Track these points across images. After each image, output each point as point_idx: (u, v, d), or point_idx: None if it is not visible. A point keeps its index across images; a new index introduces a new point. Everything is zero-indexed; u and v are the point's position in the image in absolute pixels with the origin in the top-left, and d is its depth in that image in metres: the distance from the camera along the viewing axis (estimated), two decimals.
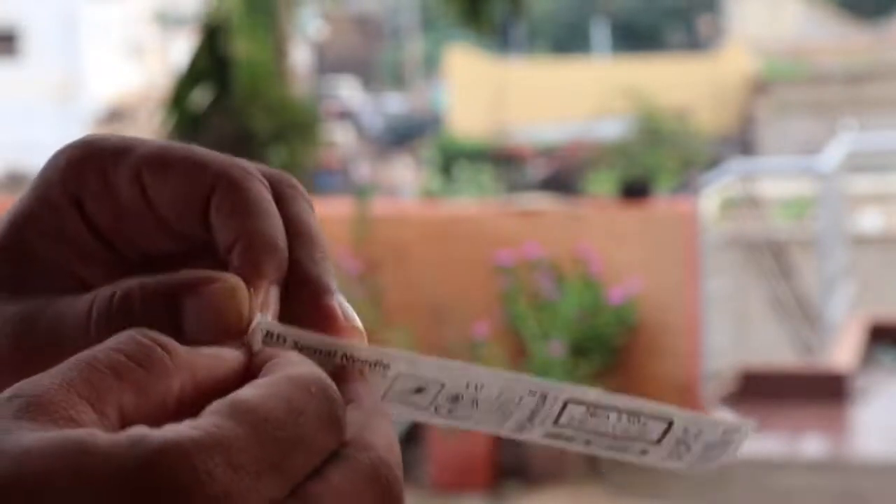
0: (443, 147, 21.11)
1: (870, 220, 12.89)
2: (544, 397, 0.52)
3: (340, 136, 21.73)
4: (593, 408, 0.53)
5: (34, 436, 0.41)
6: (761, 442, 7.13)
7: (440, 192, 16.46)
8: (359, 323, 0.52)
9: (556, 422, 0.52)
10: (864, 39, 27.57)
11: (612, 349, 6.43)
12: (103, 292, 0.51)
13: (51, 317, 0.52)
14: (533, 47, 33.42)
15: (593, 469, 6.31)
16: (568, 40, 35.04)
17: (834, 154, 8.77)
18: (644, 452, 0.54)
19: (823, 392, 7.25)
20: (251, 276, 0.50)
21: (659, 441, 0.54)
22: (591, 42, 32.35)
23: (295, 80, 11.18)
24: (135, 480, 0.41)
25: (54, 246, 0.54)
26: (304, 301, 0.51)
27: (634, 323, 6.49)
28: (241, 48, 10.02)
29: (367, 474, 0.45)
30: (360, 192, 7.90)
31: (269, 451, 0.43)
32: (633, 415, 0.54)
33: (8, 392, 0.43)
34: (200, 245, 0.53)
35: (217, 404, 0.43)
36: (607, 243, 6.58)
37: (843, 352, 7.79)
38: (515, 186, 17.19)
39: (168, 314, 0.49)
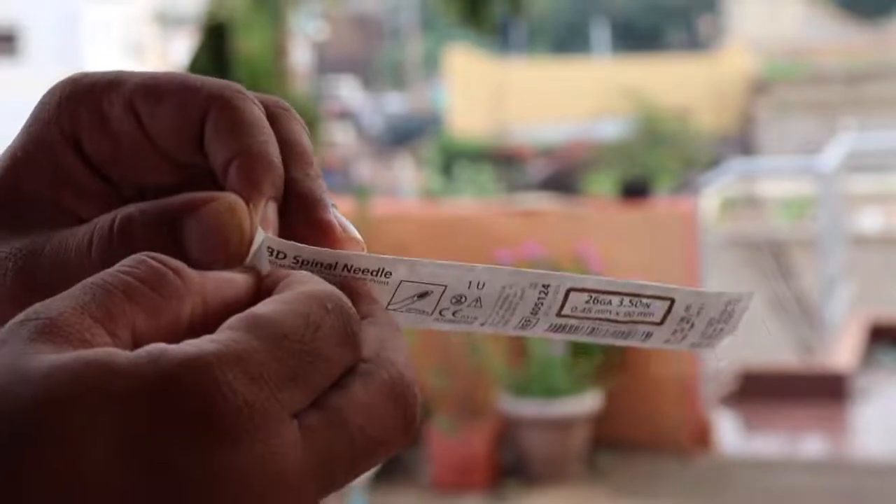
0: (443, 147, 21.10)
1: (870, 220, 12.89)
2: (546, 288, 0.52)
3: (340, 136, 21.73)
4: (595, 294, 0.53)
5: (52, 357, 0.42)
6: (761, 442, 7.13)
7: (440, 191, 16.45)
8: (356, 234, 0.53)
9: (559, 312, 0.52)
10: (864, 39, 27.57)
11: (612, 349, 6.43)
12: (104, 219, 0.52)
13: (53, 248, 0.52)
14: (533, 47, 33.42)
15: (593, 469, 6.32)
16: (568, 40, 35.04)
17: (834, 154, 8.77)
18: (647, 336, 0.54)
19: (823, 392, 7.25)
20: (249, 193, 0.51)
21: (662, 321, 0.53)
22: (591, 42, 32.34)
23: (295, 79, 11.17)
24: (158, 394, 0.41)
25: (51, 185, 0.54)
26: (301, 216, 0.52)
27: None
28: (242, 47, 10.02)
29: (387, 389, 0.45)
30: (360, 191, 7.90)
31: (287, 363, 0.43)
32: (636, 296, 0.53)
33: (20, 315, 0.43)
34: (197, 176, 0.53)
35: (234, 319, 0.44)
36: (607, 243, 6.58)
37: (843, 352, 7.79)
38: (515, 186, 17.18)
39: (169, 236, 0.50)
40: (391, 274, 0.51)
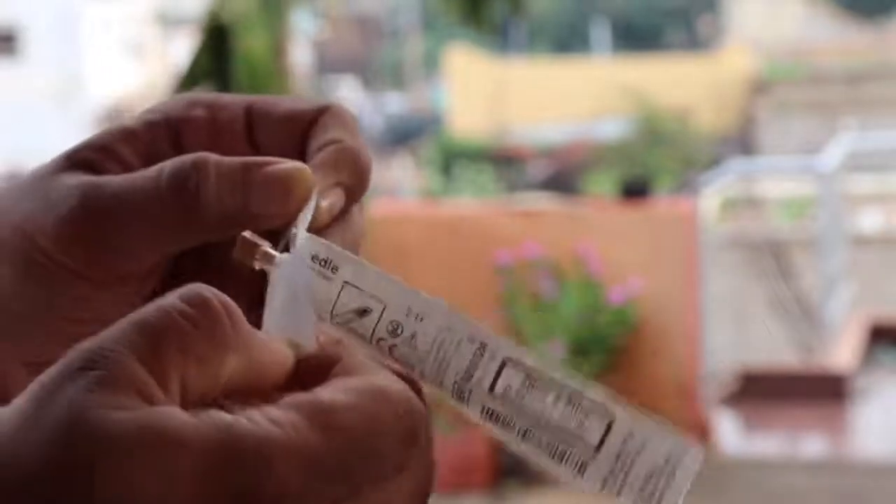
0: (443, 147, 21.10)
1: (870, 220, 12.89)
2: (483, 348, 0.50)
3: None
4: (532, 377, 0.50)
5: (118, 418, 0.42)
6: (761, 442, 7.13)
7: (440, 192, 16.46)
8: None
9: (492, 387, 0.50)
10: (864, 39, 27.57)
11: (612, 349, 6.43)
12: (176, 158, 0.53)
13: (119, 182, 0.54)
14: (533, 47, 33.41)
15: None
16: (568, 40, 35.04)
17: (834, 154, 8.77)
18: (581, 469, 0.51)
19: (823, 392, 7.25)
20: (326, 173, 0.53)
21: (598, 448, 0.50)
22: (591, 42, 32.33)
23: (295, 79, 11.17)
24: (216, 469, 0.42)
25: (135, 155, 0.56)
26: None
27: (634, 323, 6.49)
28: (242, 47, 10.02)
29: (422, 487, 0.47)
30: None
31: (344, 463, 0.43)
32: (574, 398, 0.51)
33: (76, 360, 0.43)
34: None
35: (299, 401, 0.44)
36: (607, 243, 6.58)
37: (843, 352, 7.79)
38: (515, 186, 17.18)
39: (239, 183, 0.52)
40: (338, 269, 0.51)
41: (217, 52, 10.17)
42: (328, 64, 30.91)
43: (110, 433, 0.41)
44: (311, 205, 0.52)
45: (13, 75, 26.38)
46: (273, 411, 0.43)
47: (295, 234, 0.52)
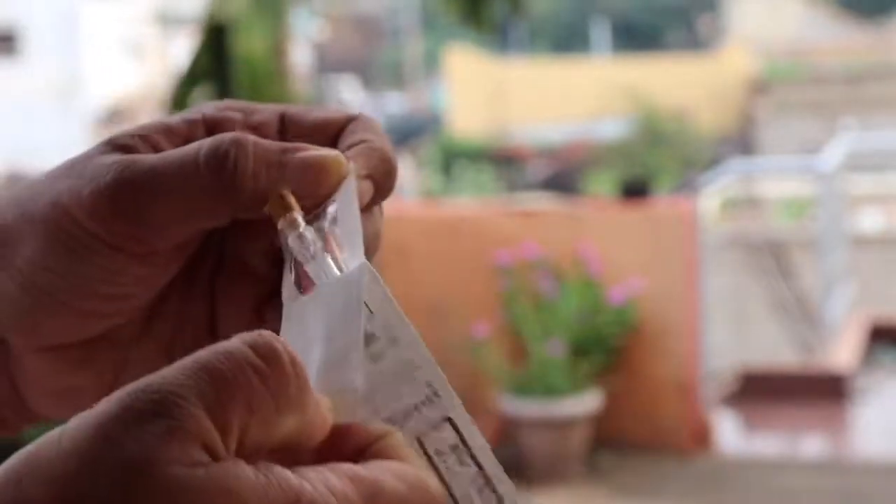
0: (443, 147, 21.10)
1: (870, 220, 12.89)
2: (436, 396, 0.51)
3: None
4: (463, 445, 0.52)
5: (187, 473, 0.42)
6: (761, 442, 7.13)
7: (440, 192, 16.46)
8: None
9: (424, 434, 0.51)
10: (864, 39, 27.57)
11: (612, 349, 6.43)
12: (215, 137, 0.55)
13: (156, 157, 0.55)
14: (533, 47, 33.41)
15: (593, 469, 6.32)
16: (568, 40, 35.04)
17: (834, 154, 8.77)
18: None
19: (823, 392, 7.25)
20: (357, 164, 0.55)
21: None
22: (591, 42, 32.34)
23: (295, 79, 11.18)
24: None
25: (172, 146, 0.57)
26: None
27: (634, 323, 6.49)
28: (242, 48, 10.02)
29: None
30: None
31: None
32: (485, 477, 0.53)
33: (145, 402, 0.43)
34: None
35: (356, 474, 0.45)
36: (607, 243, 6.58)
37: (843, 352, 7.79)
38: (515, 186, 17.19)
39: (276, 161, 0.53)
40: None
41: (217, 53, 10.16)
42: (328, 64, 30.91)
43: (181, 487, 0.42)
44: (351, 185, 0.53)
45: (13, 75, 26.38)
46: (331, 477, 0.45)
47: (328, 212, 0.53)
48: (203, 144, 0.54)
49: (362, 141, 0.56)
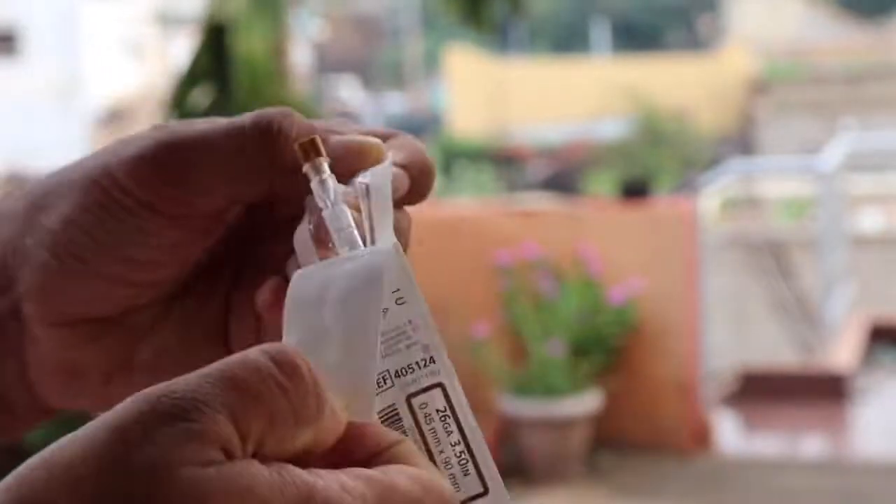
0: (443, 147, 21.10)
1: (870, 220, 12.89)
2: (430, 360, 0.52)
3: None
4: (450, 412, 0.53)
5: (205, 473, 0.43)
6: (761, 442, 7.13)
7: (440, 191, 16.45)
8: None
9: (412, 393, 0.52)
10: (864, 39, 27.56)
11: (612, 349, 6.43)
12: (256, 112, 0.56)
13: (201, 124, 0.56)
14: (533, 47, 33.41)
15: (593, 469, 6.32)
16: (568, 40, 35.03)
17: (834, 154, 8.77)
18: None
19: (823, 392, 7.25)
20: (396, 157, 0.56)
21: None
22: (591, 42, 32.33)
23: (295, 79, 11.17)
24: None
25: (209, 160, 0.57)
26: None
27: (634, 323, 6.49)
28: (242, 48, 10.02)
29: None
30: None
31: None
32: (468, 450, 0.53)
33: (169, 406, 0.44)
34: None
35: (369, 476, 0.46)
36: (607, 243, 6.58)
37: (843, 352, 7.79)
38: (515, 186, 17.19)
39: (316, 140, 0.53)
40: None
41: (217, 53, 10.16)
42: (328, 64, 30.90)
43: (196, 486, 0.42)
44: (387, 168, 0.54)
45: (13, 75, 26.37)
46: (343, 478, 0.45)
47: (359, 181, 0.53)
48: (251, 114, 0.56)
49: (403, 147, 0.57)
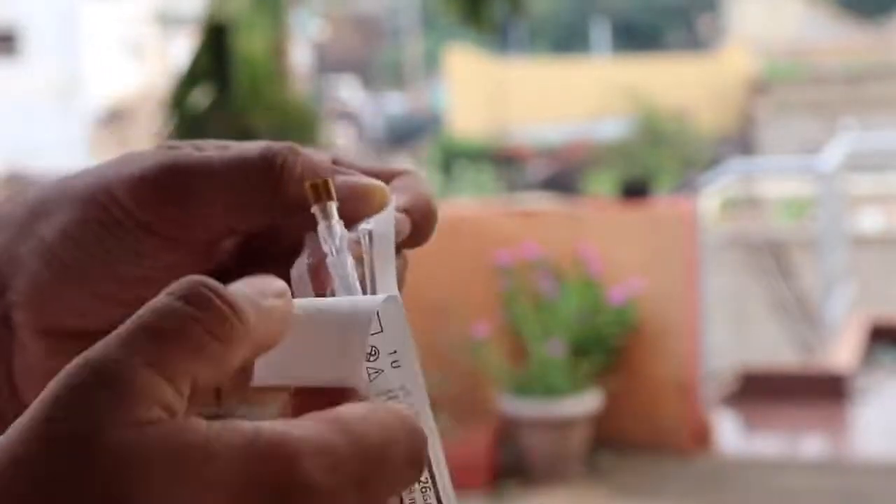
0: (443, 147, 21.10)
1: (870, 220, 12.90)
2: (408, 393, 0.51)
3: (341, 137, 21.73)
4: (430, 482, 0.51)
5: (139, 437, 0.42)
6: (761, 442, 7.13)
7: (440, 192, 16.45)
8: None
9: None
10: (864, 39, 27.56)
11: (612, 349, 6.43)
12: (257, 148, 0.55)
13: (197, 161, 0.55)
14: (533, 47, 33.41)
15: (593, 469, 6.31)
16: (568, 40, 35.04)
17: (834, 154, 8.77)
18: None
19: (823, 392, 7.25)
20: (399, 200, 0.56)
21: None
22: (591, 42, 32.34)
23: (295, 80, 11.17)
24: (246, 477, 0.43)
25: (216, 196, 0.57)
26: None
27: (634, 323, 6.49)
28: (242, 48, 10.02)
29: None
30: None
31: (362, 466, 0.45)
32: (435, 491, 0.51)
33: (88, 373, 0.43)
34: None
35: (315, 414, 0.45)
36: (607, 243, 6.58)
37: (843, 352, 7.79)
38: (515, 186, 17.19)
39: (324, 173, 0.54)
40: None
41: (217, 52, 10.17)
42: (328, 64, 30.90)
43: (136, 450, 0.42)
44: (390, 213, 0.54)
45: (13, 75, 26.37)
46: (291, 420, 0.45)
47: (362, 228, 0.53)
48: (259, 146, 0.55)
49: (409, 188, 0.57)
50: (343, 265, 0.52)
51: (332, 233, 0.52)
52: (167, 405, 0.43)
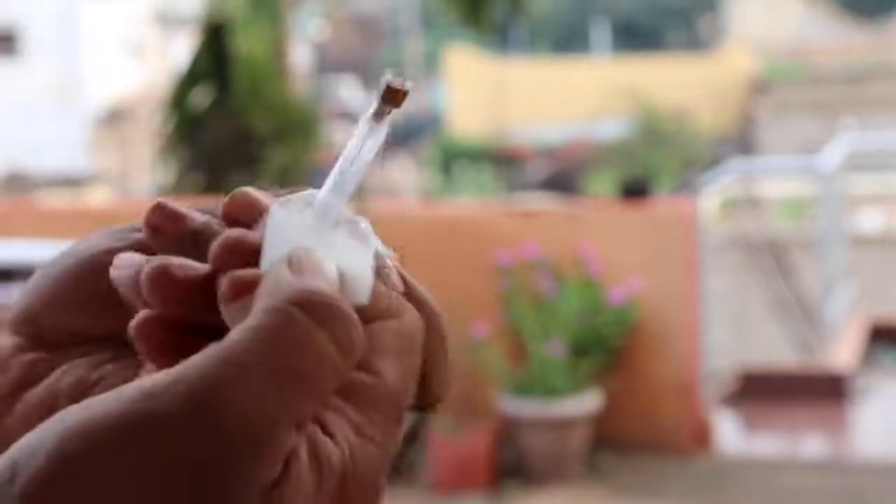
0: (443, 147, 21.11)
1: (870, 220, 12.89)
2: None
3: (340, 136, 21.70)
4: None
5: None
6: (761, 442, 7.13)
7: (440, 192, 16.47)
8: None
9: None
10: (864, 39, 27.57)
11: (612, 349, 6.43)
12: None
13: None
14: (533, 47, 33.40)
15: (593, 469, 6.31)
16: (568, 40, 35.04)
17: (834, 154, 8.77)
18: None
19: (823, 392, 7.25)
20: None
21: None
22: (591, 42, 32.33)
23: (295, 80, 11.17)
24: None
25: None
26: None
27: (634, 323, 6.49)
28: (242, 48, 10.02)
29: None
30: (360, 191, 7.90)
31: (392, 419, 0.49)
32: None
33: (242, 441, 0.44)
34: None
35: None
36: (607, 243, 6.58)
37: (843, 352, 7.79)
38: (515, 186, 17.19)
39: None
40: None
41: (217, 53, 10.17)
42: (328, 64, 30.90)
43: (99, 429, 0.42)
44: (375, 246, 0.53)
45: (13, 75, 26.37)
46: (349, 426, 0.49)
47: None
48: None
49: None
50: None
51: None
52: (290, 455, 0.44)
